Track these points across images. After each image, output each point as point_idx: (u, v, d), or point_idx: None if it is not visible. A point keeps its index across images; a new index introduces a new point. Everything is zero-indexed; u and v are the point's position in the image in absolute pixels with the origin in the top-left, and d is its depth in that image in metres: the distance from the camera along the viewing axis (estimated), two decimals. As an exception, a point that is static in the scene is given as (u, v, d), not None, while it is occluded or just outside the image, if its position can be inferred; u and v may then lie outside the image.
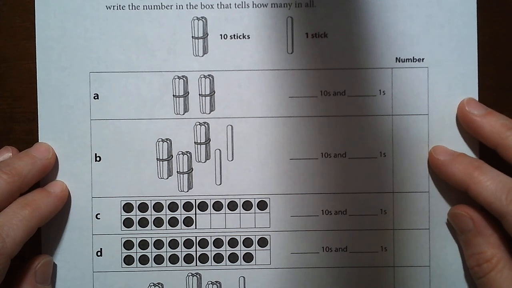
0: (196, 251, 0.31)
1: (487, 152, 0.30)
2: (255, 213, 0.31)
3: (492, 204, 0.27)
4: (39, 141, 0.30)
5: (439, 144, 0.30)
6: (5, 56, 0.31)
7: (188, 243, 0.31)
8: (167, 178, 0.31)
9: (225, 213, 0.31)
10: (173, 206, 0.31)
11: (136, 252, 0.31)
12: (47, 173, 0.30)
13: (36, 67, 0.30)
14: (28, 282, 0.28)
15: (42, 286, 0.29)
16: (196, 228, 0.31)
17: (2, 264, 0.26)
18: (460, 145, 0.30)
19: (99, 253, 0.30)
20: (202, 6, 0.30)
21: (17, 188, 0.28)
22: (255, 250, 0.31)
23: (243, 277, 0.31)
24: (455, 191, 0.30)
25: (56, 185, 0.30)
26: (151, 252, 0.31)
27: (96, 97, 0.30)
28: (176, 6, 0.30)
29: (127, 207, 0.30)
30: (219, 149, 0.31)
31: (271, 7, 0.30)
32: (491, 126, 0.29)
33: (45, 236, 0.30)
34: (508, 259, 0.28)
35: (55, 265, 0.30)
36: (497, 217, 0.28)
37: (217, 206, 0.31)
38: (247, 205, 0.31)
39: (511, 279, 0.27)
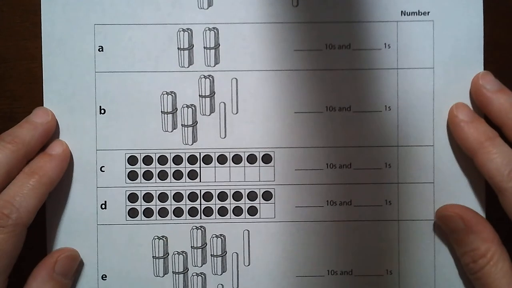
0: (200, 204, 0.31)
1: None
2: (259, 166, 0.31)
3: (493, 177, 0.27)
4: (44, 93, 0.30)
5: (444, 97, 0.30)
6: (5, 56, 0.31)
7: (192, 196, 0.31)
8: (171, 131, 0.31)
9: (230, 167, 0.31)
10: (177, 159, 0.31)
11: (141, 205, 0.31)
12: (50, 136, 0.30)
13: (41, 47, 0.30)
14: (45, 268, 0.28)
15: (61, 278, 0.29)
16: (200, 181, 0.31)
17: (20, 234, 0.27)
18: (464, 100, 0.30)
19: (103, 206, 0.30)
20: (207, -42, 0.30)
21: (23, 156, 0.28)
22: (260, 203, 0.31)
23: (248, 230, 0.31)
24: (459, 145, 0.30)
25: (57, 145, 0.30)
26: (156, 205, 0.31)
27: (100, 50, 0.30)
28: (181, -42, 0.30)
29: (132, 160, 0.30)
30: (223, 102, 0.31)
31: (276, -41, 0.30)
32: (500, 103, 0.28)
33: (49, 188, 0.30)
34: (501, 251, 0.27)
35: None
36: (495, 191, 0.28)
37: (222, 159, 0.31)
38: (251, 159, 0.31)
39: (506, 270, 0.27)
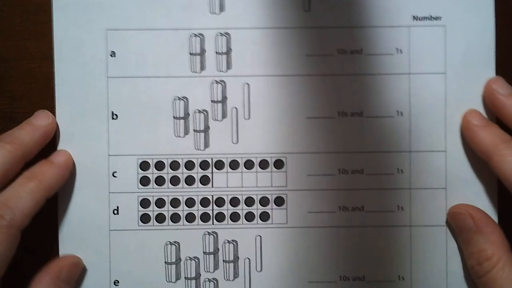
0: (212, 209, 0.31)
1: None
2: (271, 171, 0.31)
3: (509, 179, 0.27)
4: (56, 99, 0.30)
5: (456, 102, 0.30)
6: (5, 56, 0.31)
7: (204, 202, 0.31)
8: (183, 137, 0.30)
9: (242, 172, 0.31)
10: (189, 165, 0.31)
11: (153, 211, 0.31)
12: (49, 139, 0.30)
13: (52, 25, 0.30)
14: (50, 274, 0.28)
15: (64, 285, 0.29)
16: (212, 186, 0.31)
17: (13, 236, 0.27)
18: (476, 105, 0.30)
19: (115, 212, 0.30)
20: (219, -36, 0.30)
21: (20, 156, 0.28)
22: (272, 209, 0.31)
23: (260, 236, 0.31)
24: (472, 151, 0.30)
25: (60, 154, 0.30)
26: (168, 210, 0.31)
27: (112, 55, 0.30)
28: (193, -37, 0.30)
29: (144, 165, 0.30)
30: (235, 108, 0.31)
31: (288, -35, 0.30)
32: None
33: (61, 194, 0.30)
34: (509, 258, 0.27)
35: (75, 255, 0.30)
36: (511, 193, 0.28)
37: (234, 164, 0.31)
38: (263, 164, 0.31)
39: None
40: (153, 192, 0.31)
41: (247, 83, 0.30)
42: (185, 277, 0.30)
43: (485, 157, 0.29)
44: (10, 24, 0.31)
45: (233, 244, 0.31)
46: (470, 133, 0.29)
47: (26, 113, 0.30)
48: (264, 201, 0.31)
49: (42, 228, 0.30)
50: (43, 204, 0.28)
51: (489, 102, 0.30)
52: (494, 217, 0.30)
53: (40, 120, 0.29)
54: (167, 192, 0.31)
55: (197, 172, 0.31)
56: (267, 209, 0.31)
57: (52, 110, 0.30)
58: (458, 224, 0.29)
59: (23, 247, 0.30)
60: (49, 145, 0.30)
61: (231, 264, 0.31)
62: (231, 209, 0.31)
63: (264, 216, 0.31)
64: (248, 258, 0.31)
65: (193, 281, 0.30)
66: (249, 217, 0.31)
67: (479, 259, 0.28)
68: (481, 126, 0.29)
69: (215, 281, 0.31)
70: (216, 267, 0.31)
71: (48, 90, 0.30)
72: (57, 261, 0.29)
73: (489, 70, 0.30)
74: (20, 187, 0.28)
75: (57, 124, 0.30)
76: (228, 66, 0.30)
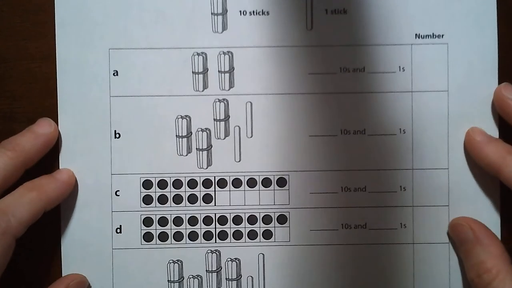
0: (215, 228, 0.31)
1: (506, 130, 0.30)
2: (274, 190, 0.31)
3: None
4: (59, 117, 0.30)
5: (459, 120, 0.30)
6: (5, 56, 0.31)
7: (207, 220, 0.31)
8: (186, 155, 0.31)
9: (244, 190, 0.31)
10: (192, 183, 0.31)
11: (156, 229, 0.31)
12: (51, 147, 0.30)
13: (55, 50, 0.30)
14: None
15: None
16: (215, 205, 0.31)
17: (7, 243, 0.27)
18: (479, 122, 0.30)
19: (118, 230, 0.30)
20: (221, -17, 0.30)
21: (21, 163, 0.28)
22: (274, 227, 0.31)
23: (262, 254, 0.31)
24: (475, 168, 0.30)
25: (63, 172, 0.30)
26: (171, 229, 0.31)
27: (115, 74, 0.30)
28: (195, -18, 0.30)
29: (147, 184, 0.30)
30: (238, 126, 0.31)
31: (290, -17, 0.30)
32: None
33: (64, 213, 0.30)
34: (509, 271, 0.27)
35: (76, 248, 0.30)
36: None
37: (236, 183, 0.31)
38: (266, 182, 0.31)
39: None
40: (155, 210, 0.31)
41: (250, 102, 0.31)
42: (188, 296, 0.31)
43: (493, 171, 0.29)
44: (10, 24, 0.31)
45: (236, 262, 0.31)
46: (475, 149, 0.29)
47: (26, 113, 0.30)
48: (266, 219, 0.31)
49: (44, 246, 0.30)
50: (41, 216, 0.28)
51: (499, 107, 0.30)
52: (497, 234, 0.30)
53: (42, 128, 0.29)
54: (170, 210, 0.31)
55: (199, 191, 0.31)
56: (270, 227, 0.31)
57: (52, 110, 0.30)
58: (459, 236, 0.29)
59: (27, 266, 0.30)
60: (51, 159, 0.30)
61: (234, 282, 0.31)
62: (234, 227, 0.31)
63: (267, 234, 0.31)
64: (251, 276, 0.31)
65: (196, 300, 0.31)
66: (252, 235, 0.31)
67: (479, 271, 0.28)
68: (485, 142, 0.29)
69: (218, 300, 0.31)
70: (219, 285, 0.31)
71: (48, 90, 0.30)
72: (63, 280, 0.29)
73: (492, 87, 0.30)
74: (19, 196, 0.28)
75: (59, 133, 0.30)
76: (231, 84, 0.31)
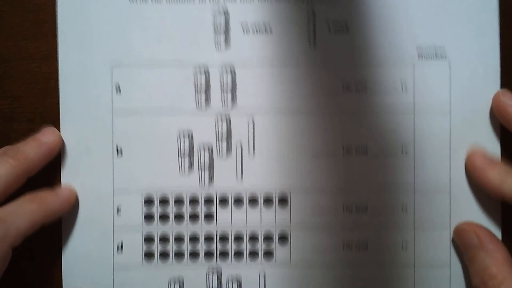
0: (216, 247, 0.30)
1: (509, 147, 0.30)
2: (275, 209, 0.30)
3: None
4: (61, 133, 0.30)
5: (461, 141, 0.30)
6: (5, 56, 0.31)
7: (208, 239, 0.30)
8: (188, 173, 0.30)
9: (246, 209, 0.30)
10: (194, 201, 0.30)
11: (157, 248, 0.30)
12: (54, 156, 0.30)
13: (58, 66, 0.30)
14: None
15: None
16: (216, 224, 0.30)
17: (4, 250, 0.26)
18: (482, 141, 0.30)
19: (119, 248, 0.30)
20: (225, 0, 0.30)
21: (23, 171, 0.28)
22: (275, 247, 0.31)
23: (264, 274, 0.30)
24: (477, 191, 0.30)
25: (64, 188, 0.30)
26: (171, 248, 0.30)
27: (118, 91, 0.30)
28: (199, 0, 0.30)
29: (148, 202, 0.30)
30: (240, 144, 0.30)
31: (294, 1, 0.30)
32: None
33: (65, 230, 0.30)
34: None
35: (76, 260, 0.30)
36: None
37: (238, 201, 0.30)
38: (267, 201, 0.30)
39: None
40: (157, 228, 0.30)
41: (252, 120, 0.30)
42: (188, 315, 0.30)
43: (497, 195, 0.29)
44: (10, 24, 0.31)
45: (237, 282, 0.30)
46: (475, 173, 0.29)
47: (26, 113, 0.30)
48: (268, 239, 0.31)
49: (45, 264, 0.30)
50: (39, 229, 0.28)
51: (498, 114, 0.30)
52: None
53: (46, 136, 0.29)
54: (171, 229, 0.30)
55: (201, 209, 0.30)
56: (271, 247, 0.30)
57: (52, 110, 0.30)
58: (464, 241, 0.29)
59: (29, 279, 0.30)
60: (53, 172, 0.30)
61: (235, 302, 0.30)
62: (235, 247, 0.30)
63: (268, 254, 0.31)
64: (252, 296, 0.30)
65: (196, 319, 0.30)
66: (253, 255, 0.30)
67: (484, 278, 0.27)
68: (485, 166, 0.29)
69: (218, 319, 0.30)
70: (219, 304, 0.30)
71: (48, 90, 0.30)
72: None
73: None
74: (19, 206, 0.28)
75: (63, 142, 0.30)
76: (233, 102, 0.30)
